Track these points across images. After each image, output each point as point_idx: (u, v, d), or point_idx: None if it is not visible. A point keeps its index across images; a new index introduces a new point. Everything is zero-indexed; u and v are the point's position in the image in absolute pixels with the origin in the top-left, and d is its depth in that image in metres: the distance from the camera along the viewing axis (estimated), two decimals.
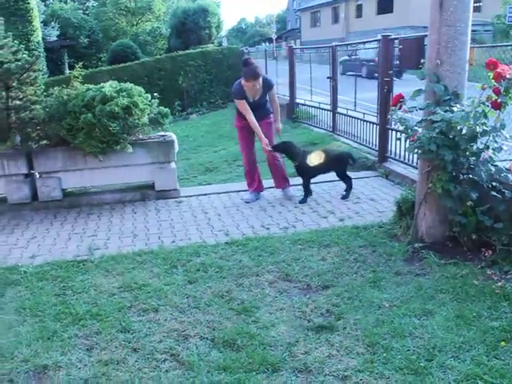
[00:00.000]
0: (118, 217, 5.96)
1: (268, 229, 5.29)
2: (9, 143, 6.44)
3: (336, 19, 48.93)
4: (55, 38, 30.86)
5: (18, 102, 6.45)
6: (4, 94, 6.33)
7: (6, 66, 6.22)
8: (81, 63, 7.56)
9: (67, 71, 26.48)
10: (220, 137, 11.87)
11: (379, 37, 7.40)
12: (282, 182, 6.50)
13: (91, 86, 6.37)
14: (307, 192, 6.26)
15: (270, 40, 56.32)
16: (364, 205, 5.93)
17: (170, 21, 38.68)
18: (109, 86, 6.24)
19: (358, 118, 8.64)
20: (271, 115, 6.32)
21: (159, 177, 6.43)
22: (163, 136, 6.53)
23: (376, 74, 8.50)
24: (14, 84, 6.31)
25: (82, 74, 6.77)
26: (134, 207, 6.27)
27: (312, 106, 11.46)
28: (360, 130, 8.50)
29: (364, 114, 8.43)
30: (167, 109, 6.51)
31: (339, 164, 6.33)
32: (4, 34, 6.42)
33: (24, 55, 6.42)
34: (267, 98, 6.25)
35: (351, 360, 3.13)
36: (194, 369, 3.10)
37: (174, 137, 6.54)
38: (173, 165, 6.51)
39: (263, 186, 6.55)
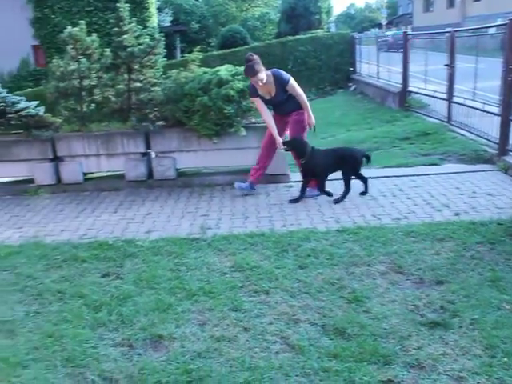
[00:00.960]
0: (229, 198, 6.09)
1: (379, 219, 5.16)
2: (129, 123, 6.77)
3: (451, 3, 46.52)
4: (168, 24, 31.99)
5: (138, 84, 6.76)
6: (126, 76, 6.65)
7: (129, 49, 6.53)
8: (198, 47, 7.73)
9: (179, 55, 27.40)
10: (329, 124, 11.71)
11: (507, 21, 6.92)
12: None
13: (207, 70, 6.52)
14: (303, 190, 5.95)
15: (379, 25, 54.89)
16: (481, 200, 5.61)
17: (280, 6, 38.75)
18: (224, 70, 6.35)
19: (476, 108, 8.19)
20: (298, 112, 6.00)
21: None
22: None
23: None
24: (136, 67, 6.61)
25: (199, 57, 6.92)
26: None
27: (426, 95, 11.02)
28: (478, 121, 8.06)
29: (484, 103, 7.98)
30: None
31: (349, 163, 5.90)
32: (129, 20, 6.71)
33: (146, 40, 6.69)
34: (288, 95, 5.92)
35: (467, 361, 2.99)
36: (304, 353, 3.12)
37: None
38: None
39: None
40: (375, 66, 15.59)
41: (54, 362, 3.18)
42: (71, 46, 6.71)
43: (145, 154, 6.64)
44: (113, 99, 6.74)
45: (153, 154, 6.73)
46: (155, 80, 6.68)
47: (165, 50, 6.72)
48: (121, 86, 6.65)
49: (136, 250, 4.67)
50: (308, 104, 6.01)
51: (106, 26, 19.98)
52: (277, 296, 3.78)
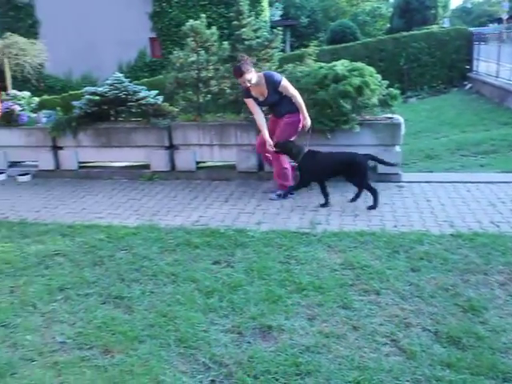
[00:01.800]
0: (339, 194, 6.03)
1: (498, 226, 4.89)
2: (242, 115, 6.88)
3: None
4: (278, 18, 32.18)
5: None
6: None
7: (247, 42, 6.64)
8: (315, 41, 7.71)
9: (289, 50, 27.50)
10: (441, 123, 11.30)
11: None
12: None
13: (323, 64, 6.48)
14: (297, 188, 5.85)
15: (498, 20, 51.69)
16: None
17: (394, 0, 37.73)
18: (341, 65, 6.29)
19: None
20: (292, 114, 5.84)
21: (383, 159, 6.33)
22: (390, 118, 6.40)
23: None
24: (254, 60, 6.69)
25: (316, 51, 6.90)
26: (355, 187, 6.26)
27: None
28: None
29: None
30: (397, 91, 6.35)
31: (348, 169, 5.56)
32: (248, 14, 6.82)
33: (264, 33, 6.77)
34: (281, 96, 5.79)
35: None
36: (415, 359, 3.03)
37: (401, 119, 6.37)
38: (398, 148, 6.36)
39: None
40: (494, 64, 14.78)
41: (167, 340, 3.32)
42: (191, 39, 6.93)
43: None
44: (228, 91, 6.90)
45: None
46: None
47: (282, 44, 6.76)
48: None
49: (247, 240, 4.75)
50: (303, 104, 5.83)
51: (220, 20, 20.49)
52: (388, 297, 3.71)
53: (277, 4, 33.84)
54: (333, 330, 3.34)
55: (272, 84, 5.75)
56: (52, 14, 22.69)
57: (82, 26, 22.63)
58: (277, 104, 5.89)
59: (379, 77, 6.33)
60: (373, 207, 5.51)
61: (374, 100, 6.11)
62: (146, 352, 3.22)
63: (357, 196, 5.73)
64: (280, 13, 33.77)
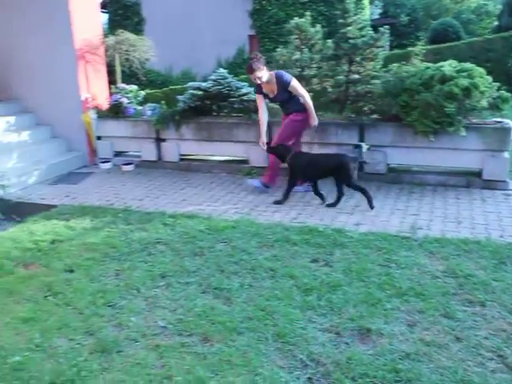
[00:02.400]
0: (441, 200, 5.85)
1: None
2: (343, 114, 6.83)
3: None
4: (377, 16, 31.53)
5: (356, 76, 6.78)
6: (346, 67, 6.71)
7: (352, 41, 6.56)
8: (422, 41, 7.49)
9: (388, 49, 26.91)
10: None
11: None
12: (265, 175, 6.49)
13: (430, 65, 6.29)
14: (287, 194, 5.99)
15: None
16: None
17: None
18: (448, 66, 6.08)
19: None
20: (300, 113, 6.13)
21: (489, 165, 6.07)
22: (500, 122, 6.11)
23: None
24: (357, 59, 6.63)
25: (423, 51, 6.70)
26: (458, 193, 6.06)
27: None
28: None
29: None
30: (508, 94, 6.03)
31: (336, 171, 5.63)
32: (354, 12, 6.74)
33: (369, 32, 6.66)
34: (291, 95, 6.08)
35: None
36: None
37: (511, 124, 6.06)
38: (506, 154, 6.06)
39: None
40: None
41: (265, 334, 3.36)
42: (295, 36, 6.96)
43: (357, 146, 6.64)
44: (330, 89, 6.86)
45: (364, 147, 6.70)
46: (375, 73, 6.64)
47: (387, 44, 6.62)
48: (340, 77, 6.75)
49: (346, 241, 4.72)
50: (311, 105, 6.09)
51: (319, 18, 20.38)
52: (494, 310, 3.55)
53: (376, 2, 33.20)
54: (434, 339, 3.24)
55: (281, 83, 6.05)
56: (157, 12, 23.62)
57: (185, 23, 23.37)
58: (286, 102, 6.21)
59: (490, 78, 6.05)
60: (372, 206, 5.59)
61: (484, 103, 5.85)
62: (245, 344, 3.28)
63: (338, 200, 5.80)
64: (379, 11, 33.09)
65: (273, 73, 6.10)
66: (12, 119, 8.15)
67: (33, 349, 3.36)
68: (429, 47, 19.32)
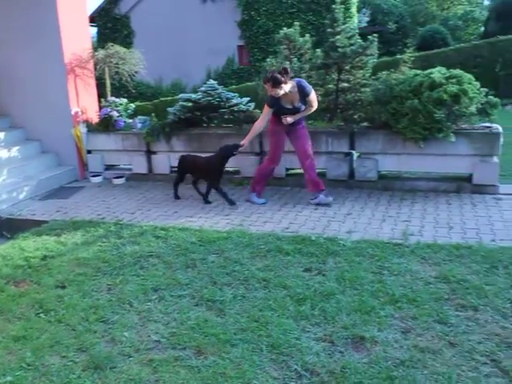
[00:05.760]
0: (432, 206, 5.86)
1: None
2: (334, 122, 6.85)
3: None
4: (365, 24, 31.75)
5: (346, 85, 6.81)
6: (336, 76, 6.74)
7: (341, 50, 6.60)
8: (411, 48, 7.56)
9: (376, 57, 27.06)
10: None
11: None
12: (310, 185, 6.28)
13: (419, 72, 6.33)
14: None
15: None
16: None
17: (490, 2, 36.23)
18: (437, 72, 6.11)
19: None
20: (302, 124, 6.17)
21: (479, 170, 6.10)
22: (488, 127, 6.15)
23: None
24: (347, 67, 6.66)
25: (411, 58, 6.75)
26: (448, 198, 6.08)
27: None
28: None
29: None
30: (497, 99, 6.08)
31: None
32: (343, 21, 6.78)
33: (358, 40, 6.70)
34: (306, 106, 5.98)
35: None
36: None
37: (500, 129, 6.10)
38: (495, 159, 6.09)
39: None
40: None
41: (259, 345, 3.35)
42: (284, 46, 6.99)
43: (347, 154, 6.67)
44: (320, 98, 6.87)
45: (355, 155, 6.73)
46: (364, 81, 6.67)
47: (377, 52, 6.67)
48: (330, 86, 6.78)
49: (338, 249, 4.71)
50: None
51: (308, 27, 20.51)
52: (486, 314, 3.55)
53: (364, 10, 33.44)
54: (428, 345, 3.24)
55: (303, 92, 5.87)
56: (146, 25, 23.72)
57: (174, 35, 23.46)
58: (297, 113, 6.01)
59: (478, 84, 6.09)
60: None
61: (472, 108, 5.89)
62: (239, 355, 3.26)
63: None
64: (367, 19, 33.32)
65: (293, 82, 5.89)
66: (1, 135, 8.12)
67: (25, 368, 3.33)
68: (417, 54, 19.41)
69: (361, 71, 6.70)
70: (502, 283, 3.94)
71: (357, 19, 25.45)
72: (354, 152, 6.66)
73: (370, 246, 4.72)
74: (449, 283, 3.98)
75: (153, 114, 8.33)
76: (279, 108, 5.96)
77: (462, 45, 20.69)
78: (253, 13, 23.37)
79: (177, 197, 6.89)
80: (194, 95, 7.48)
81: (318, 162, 6.77)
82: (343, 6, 6.86)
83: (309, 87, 5.90)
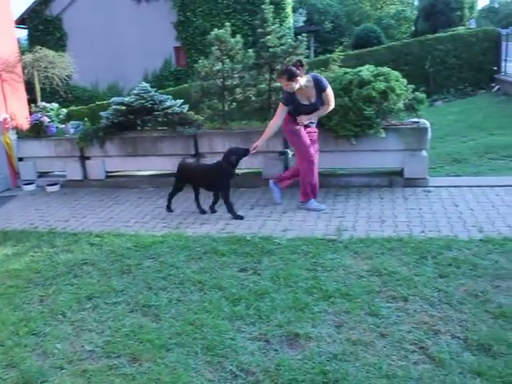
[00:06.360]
0: (365, 201, 6.00)
1: None
2: (267, 122, 6.87)
3: None
4: (302, 24, 32.21)
5: (278, 84, 6.85)
6: (268, 76, 6.79)
7: (272, 50, 6.65)
8: (341, 47, 7.71)
9: (312, 55, 27.48)
10: (469, 126, 11.15)
11: None
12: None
13: (348, 70, 6.46)
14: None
15: None
16: None
17: (419, 3, 37.46)
18: (366, 70, 6.26)
19: None
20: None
21: (409, 164, 6.30)
22: (416, 122, 6.34)
23: None
24: (278, 67, 6.71)
25: (341, 57, 6.88)
26: (381, 193, 6.25)
27: None
28: None
29: None
30: (423, 95, 6.28)
31: None
32: (272, 21, 6.84)
33: (288, 40, 6.77)
34: (322, 103, 5.64)
35: None
36: (444, 367, 2.98)
37: (427, 124, 6.30)
38: (424, 153, 6.30)
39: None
40: None
41: (194, 348, 3.33)
42: (216, 47, 6.98)
43: (282, 153, 6.73)
44: (253, 98, 6.93)
45: (290, 154, 6.80)
46: None
47: (307, 51, 6.75)
48: (262, 86, 6.83)
49: (273, 248, 4.75)
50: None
51: (244, 28, 20.60)
52: (416, 304, 3.66)
53: (300, 10, 33.88)
54: (360, 338, 3.31)
55: (319, 87, 5.58)
56: (79, 27, 23.20)
57: (109, 36, 23.06)
58: (314, 111, 5.72)
59: (405, 81, 6.27)
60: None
61: (400, 105, 6.06)
62: (174, 360, 3.23)
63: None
64: (303, 18, 33.81)
65: (309, 76, 5.59)
66: None
67: None
68: (351, 52, 19.95)
69: None
70: (431, 273, 4.07)
71: (292, 19, 25.73)
72: (288, 151, 6.72)
73: (305, 244, 4.78)
74: (380, 276, 4.08)
75: (86, 119, 8.15)
76: (296, 105, 5.63)
77: (394, 43, 21.31)
78: (189, 13, 23.27)
79: (169, 209, 6.17)
80: (126, 98, 7.37)
81: (255, 161, 6.83)
82: (273, 7, 6.90)
83: (325, 81, 5.60)
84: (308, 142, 5.74)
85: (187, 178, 6.05)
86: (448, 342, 3.21)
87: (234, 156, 5.67)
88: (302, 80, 5.48)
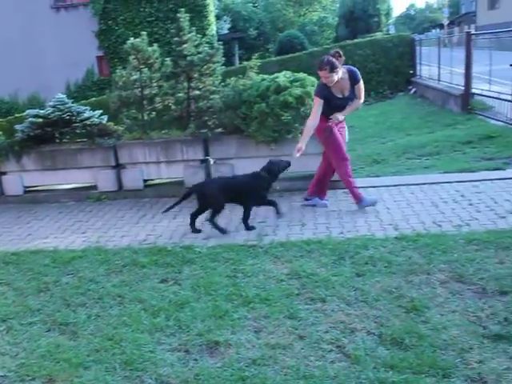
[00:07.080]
0: (287, 205, 6.08)
1: (440, 226, 5.01)
2: (188, 130, 6.88)
3: None
4: (226, 31, 32.41)
5: (197, 92, 6.89)
6: (186, 84, 6.78)
7: (189, 58, 6.65)
8: (257, 54, 7.80)
9: (237, 62, 27.70)
10: (388, 128, 11.56)
11: None
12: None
13: (265, 76, 6.55)
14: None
15: (440, 26, 53.52)
16: None
17: (338, 10, 38.59)
18: (283, 76, 6.37)
19: None
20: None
21: None
22: None
23: None
24: (195, 75, 6.73)
25: (258, 64, 6.96)
26: (297, 197, 6.34)
27: (490, 97, 10.70)
28: None
29: None
30: None
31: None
32: (188, 29, 6.84)
33: (205, 48, 6.80)
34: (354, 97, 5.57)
35: None
36: (359, 363, 3.07)
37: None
38: None
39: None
40: (436, 68, 15.28)
41: (113, 364, 3.27)
42: (133, 57, 6.90)
43: (203, 161, 6.72)
44: (173, 107, 6.90)
45: (211, 161, 6.80)
46: (214, 88, 6.79)
47: (223, 58, 6.80)
48: (180, 95, 6.81)
49: (194, 256, 4.73)
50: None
51: (167, 36, 20.45)
52: (333, 304, 3.74)
53: (225, 17, 34.07)
54: (279, 341, 3.34)
55: (353, 79, 5.45)
56: None
57: (28, 46, 22.33)
58: (346, 105, 5.55)
59: None
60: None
61: None
62: (92, 378, 3.16)
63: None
64: (228, 26, 34.00)
65: (344, 68, 5.39)
66: None
67: None
68: (273, 59, 20.25)
69: (210, 78, 6.81)
70: (348, 272, 4.18)
71: (216, 26, 25.82)
72: (209, 158, 6.73)
73: (226, 251, 4.78)
74: (299, 278, 4.14)
75: (0, 132, 7.83)
76: (331, 98, 5.38)
77: (315, 49, 21.83)
78: (110, 22, 22.89)
79: (196, 230, 5.48)
80: (42, 111, 7.14)
81: (176, 170, 6.79)
82: (188, 15, 6.90)
83: (359, 74, 5.47)
84: (341, 140, 5.60)
85: (228, 196, 5.41)
86: (364, 338, 3.31)
87: (277, 167, 5.44)
88: (340, 72, 5.33)
